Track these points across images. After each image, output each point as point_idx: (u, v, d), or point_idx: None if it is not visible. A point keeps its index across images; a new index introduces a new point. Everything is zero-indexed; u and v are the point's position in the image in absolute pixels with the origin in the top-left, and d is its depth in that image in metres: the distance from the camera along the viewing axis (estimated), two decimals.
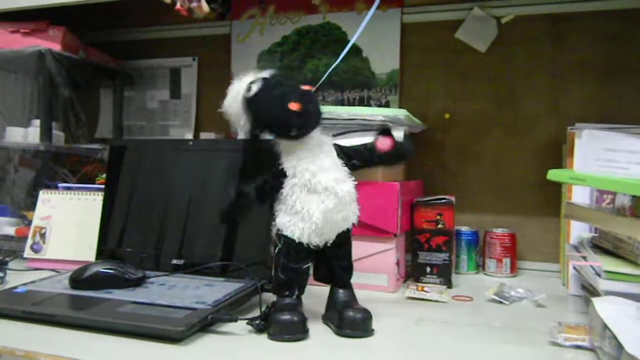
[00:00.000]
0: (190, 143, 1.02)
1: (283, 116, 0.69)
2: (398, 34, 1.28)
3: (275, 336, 0.67)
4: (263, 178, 0.74)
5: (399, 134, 0.87)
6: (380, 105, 1.30)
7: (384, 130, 0.77)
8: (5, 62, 1.29)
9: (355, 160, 0.75)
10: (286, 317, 0.68)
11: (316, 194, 0.69)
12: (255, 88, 0.70)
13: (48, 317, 0.71)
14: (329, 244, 0.72)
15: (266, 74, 0.72)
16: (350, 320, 0.70)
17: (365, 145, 0.77)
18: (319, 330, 0.71)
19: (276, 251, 0.73)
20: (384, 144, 0.76)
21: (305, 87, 0.71)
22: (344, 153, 0.75)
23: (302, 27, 1.37)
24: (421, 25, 1.27)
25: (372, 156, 0.76)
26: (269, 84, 0.70)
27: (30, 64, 1.25)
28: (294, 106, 0.68)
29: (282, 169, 0.72)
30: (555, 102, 1.17)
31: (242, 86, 0.71)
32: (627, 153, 0.97)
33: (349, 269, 0.76)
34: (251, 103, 0.70)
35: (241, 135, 1.13)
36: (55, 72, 1.24)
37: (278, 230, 0.72)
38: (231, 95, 0.73)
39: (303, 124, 0.70)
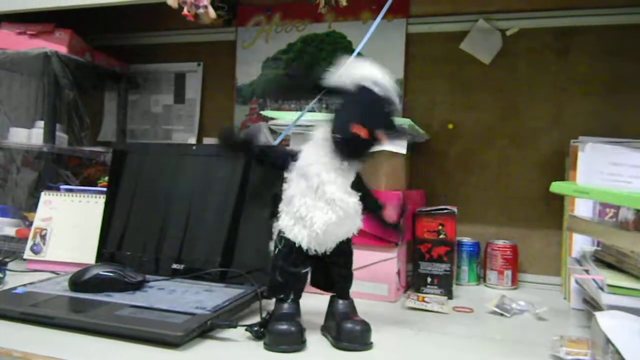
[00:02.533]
0: (194, 148, 1.02)
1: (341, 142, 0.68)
2: (403, 44, 1.29)
3: (272, 346, 0.66)
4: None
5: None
6: None
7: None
8: (11, 63, 1.29)
9: (360, 200, 0.71)
10: (283, 327, 0.67)
11: (321, 202, 0.68)
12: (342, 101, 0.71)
13: (46, 319, 0.71)
14: (328, 252, 0.71)
15: (370, 85, 0.73)
16: (348, 333, 0.68)
17: (377, 201, 0.75)
18: (316, 341, 0.70)
19: (275, 252, 0.71)
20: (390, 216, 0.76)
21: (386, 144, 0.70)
22: (358, 185, 0.72)
23: (308, 36, 1.38)
24: (426, 36, 1.28)
25: (373, 213, 0.75)
26: (353, 113, 0.69)
27: (36, 65, 1.25)
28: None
29: (297, 154, 0.71)
30: (559, 115, 1.17)
31: (355, 73, 0.73)
32: (631, 167, 0.97)
33: (349, 278, 0.75)
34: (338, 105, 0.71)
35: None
36: (60, 74, 1.24)
37: (280, 231, 0.71)
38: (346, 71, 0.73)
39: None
